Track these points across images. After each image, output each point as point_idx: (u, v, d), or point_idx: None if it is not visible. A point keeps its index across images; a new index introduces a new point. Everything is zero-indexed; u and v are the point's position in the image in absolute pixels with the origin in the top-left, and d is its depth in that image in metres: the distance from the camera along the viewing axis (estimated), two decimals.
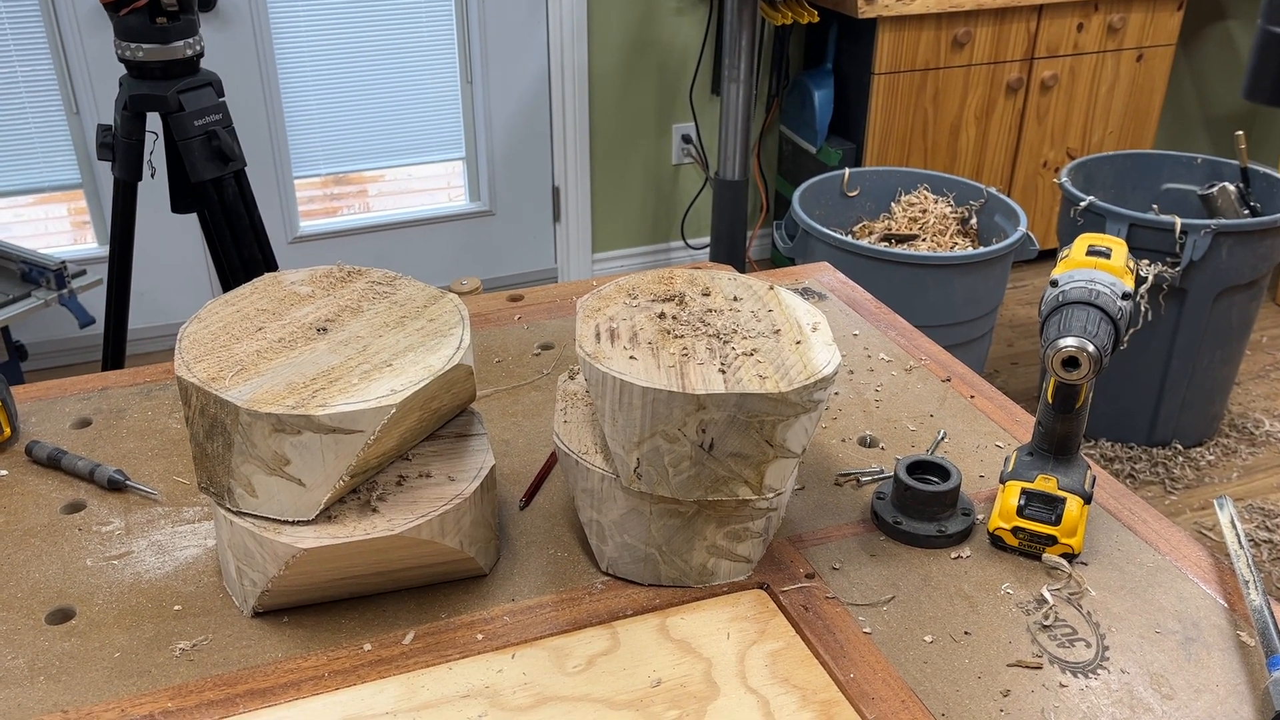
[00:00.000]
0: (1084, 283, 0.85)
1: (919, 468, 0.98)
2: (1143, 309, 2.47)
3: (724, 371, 0.83)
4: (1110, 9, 3.26)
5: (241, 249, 1.92)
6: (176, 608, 0.87)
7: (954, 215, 2.66)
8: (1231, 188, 2.57)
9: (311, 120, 3.06)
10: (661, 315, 0.90)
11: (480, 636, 0.85)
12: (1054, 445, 0.94)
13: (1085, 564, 0.93)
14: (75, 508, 0.98)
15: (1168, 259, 2.42)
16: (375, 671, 0.81)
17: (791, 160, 3.46)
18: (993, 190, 2.63)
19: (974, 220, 2.65)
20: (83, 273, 2.47)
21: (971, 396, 1.16)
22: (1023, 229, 2.44)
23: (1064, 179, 2.61)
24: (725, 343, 0.87)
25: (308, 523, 0.82)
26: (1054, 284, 0.88)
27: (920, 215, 2.67)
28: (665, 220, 3.52)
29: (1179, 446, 2.71)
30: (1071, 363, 0.83)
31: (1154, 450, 2.70)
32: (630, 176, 3.41)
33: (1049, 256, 3.53)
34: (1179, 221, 2.38)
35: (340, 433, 0.79)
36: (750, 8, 2.87)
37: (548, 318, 1.31)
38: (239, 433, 0.80)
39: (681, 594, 0.89)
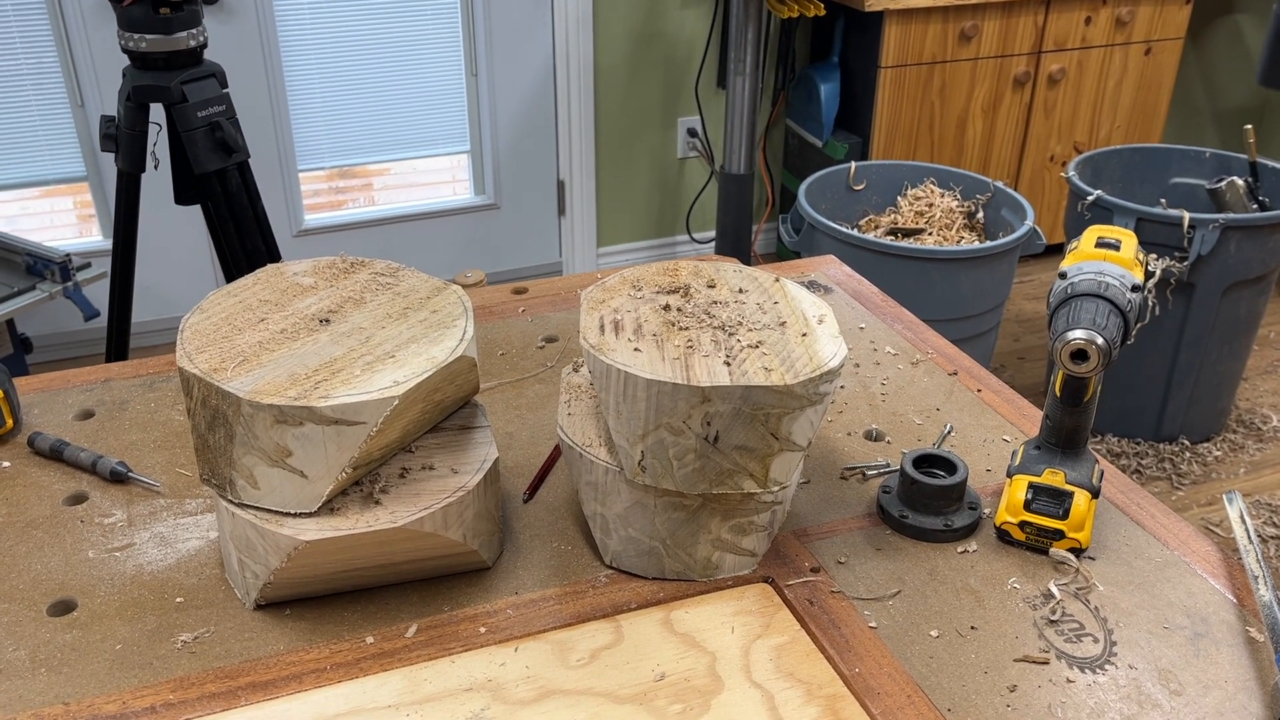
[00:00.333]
0: (1093, 275, 0.85)
1: (925, 461, 0.97)
2: (1150, 304, 2.46)
3: (729, 364, 0.82)
4: (1118, 2, 3.24)
5: (245, 241, 1.92)
6: (178, 600, 0.87)
7: (960, 209, 2.65)
8: (1240, 182, 2.55)
9: (316, 113, 3.05)
10: (666, 307, 0.90)
11: (483, 630, 0.84)
12: (1062, 439, 0.93)
13: (1093, 559, 0.92)
14: (77, 499, 0.98)
15: (1175, 253, 2.41)
16: (377, 664, 0.81)
17: (797, 154, 3.44)
18: (999, 184, 2.62)
19: (980, 214, 2.64)
20: (87, 265, 2.46)
21: (979, 390, 1.16)
22: (1029, 223, 2.43)
23: (1071, 173, 2.59)
24: (730, 335, 0.86)
25: (310, 515, 0.81)
26: (1062, 276, 0.87)
27: (927, 209, 2.66)
28: (670, 214, 3.51)
29: (1186, 442, 2.69)
30: (1080, 355, 0.82)
31: (1161, 446, 2.69)
32: (635, 170, 3.40)
33: (1056, 251, 3.51)
34: (1187, 216, 2.36)
35: (343, 424, 0.78)
36: (756, 1, 2.86)
37: (552, 310, 1.30)
38: (241, 424, 0.79)
39: (686, 588, 0.89)
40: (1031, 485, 0.92)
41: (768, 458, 0.84)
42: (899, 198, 2.73)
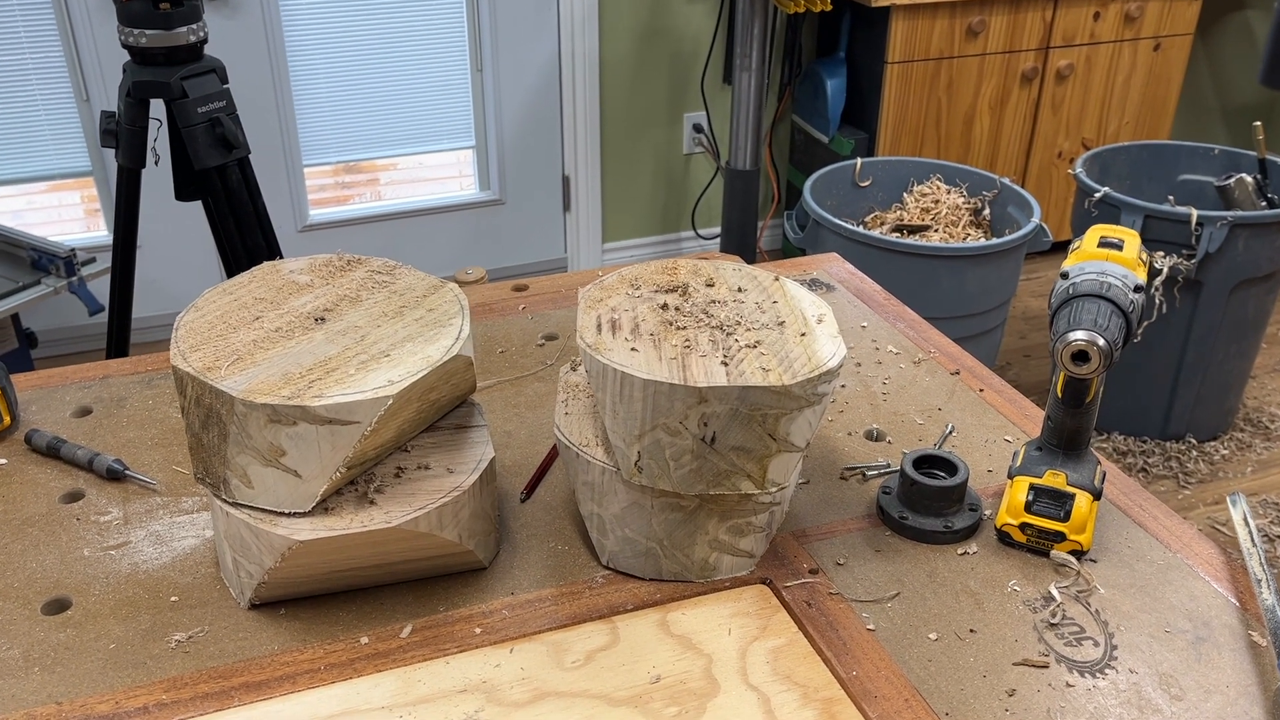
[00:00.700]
0: (1095, 275, 0.84)
1: (926, 462, 0.97)
2: (1157, 301, 2.44)
3: (726, 364, 0.81)
4: None
5: (245, 237, 1.91)
6: (173, 599, 0.86)
7: (967, 206, 2.64)
8: (1249, 179, 2.53)
9: (321, 108, 3.05)
10: (664, 306, 0.89)
11: (478, 630, 0.84)
12: (1063, 440, 0.92)
13: (1094, 561, 0.91)
14: (74, 497, 0.98)
15: (1183, 251, 2.39)
16: (372, 665, 0.81)
17: (804, 150, 3.43)
18: (1006, 181, 2.60)
19: (987, 211, 2.63)
20: (92, 260, 2.46)
21: (981, 390, 1.15)
22: (1036, 220, 2.41)
23: (1079, 170, 2.58)
24: (728, 334, 0.85)
25: (304, 514, 0.81)
26: (1064, 276, 0.86)
27: (933, 206, 2.65)
28: (676, 210, 3.50)
29: (1193, 441, 2.68)
30: (1081, 357, 0.81)
31: (1167, 444, 2.67)
32: (641, 166, 3.39)
33: (1063, 248, 3.49)
34: (1195, 213, 2.35)
35: (336, 424, 0.78)
36: None
37: (552, 308, 1.29)
38: (234, 423, 0.79)
39: (683, 589, 0.88)
40: (1032, 487, 0.91)
41: (765, 459, 0.83)
42: (905, 194, 2.72)
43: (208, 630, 0.83)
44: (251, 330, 0.85)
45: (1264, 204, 2.55)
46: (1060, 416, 0.91)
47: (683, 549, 0.87)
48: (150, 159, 1.94)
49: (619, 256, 3.49)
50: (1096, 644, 0.83)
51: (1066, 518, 0.90)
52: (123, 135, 1.91)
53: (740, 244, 3.17)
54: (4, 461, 1.02)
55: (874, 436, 1.08)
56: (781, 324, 0.88)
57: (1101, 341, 0.80)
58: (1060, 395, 0.89)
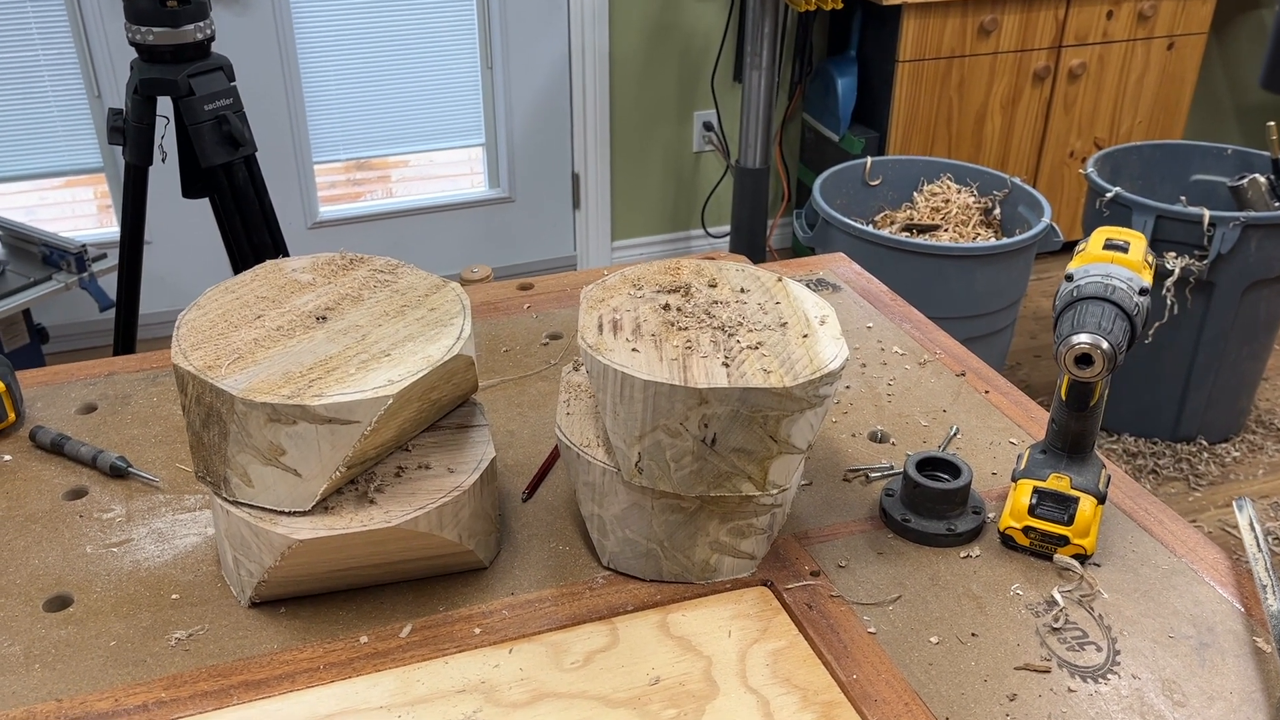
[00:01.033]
0: (1100, 277, 0.83)
1: (929, 464, 0.96)
2: (1169, 302, 2.43)
3: (728, 365, 0.81)
4: None
5: (252, 235, 1.92)
6: (174, 596, 0.87)
7: (977, 205, 2.63)
8: (1262, 179, 2.52)
9: (331, 105, 3.05)
10: (666, 307, 0.89)
11: (478, 630, 0.84)
12: (1068, 443, 0.92)
13: (1098, 565, 0.90)
14: (77, 494, 0.98)
15: (1195, 251, 2.38)
16: (371, 664, 0.81)
17: (814, 148, 3.42)
18: (1017, 180, 2.59)
19: (997, 211, 2.61)
20: (103, 256, 2.48)
21: (986, 392, 1.14)
22: (1047, 220, 2.40)
23: (1090, 170, 2.56)
24: (730, 335, 0.85)
25: (304, 513, 0.81)
26: (1069, 278, 0.85)
27: (943, 205, 2.64)
28: (685, 208, 3.50)
29: (1204, 442, 2.66)
30: (1084, 360, 0.80)
31: (1178, 446, 2.66)
32: (650, 164, 3.38)
33: (1074, 248, 3.48)
34: (1207, 213, 2.33)
35: (336, 423, 0.78)
36: None
37: (557, 307, 1.29)
38: (234, 422, 0.79)
39: (683, 590, 0.88)
40: (1036, 490, 0.91)
41: (766, 460, 0.83)
42: (915, 193, 2.71)
43: (208, 628, 0.83)
44: (253, 329, 0.85)
45: (1277, 205, 2.53)
46: (1065, 419, 0.91)
47: (683, 550, 0.87)
48: (157, 156, 1.95)
49: (628, 254, 3.48)
50: (1099, 649, 0.82)
51: (1070, 521, 0.89)
52: (130, 132, 1.91)
53: (750, 242, 3.16)
54: (8, 458, 1.02)
55: (878, 438, 1.07)
56: (784, 325, 0.87)
57: (1105, 345, 0.79)
58: (1065, 398, 0.89)
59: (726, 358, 0.82)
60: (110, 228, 3.02)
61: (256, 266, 0.94)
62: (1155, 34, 3.28)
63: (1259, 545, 0.88)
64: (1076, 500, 0.89)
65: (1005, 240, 2.34)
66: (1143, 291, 0.83)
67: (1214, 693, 0.79)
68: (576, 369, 0.97)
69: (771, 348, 0.84)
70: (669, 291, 0.91)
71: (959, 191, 2.65)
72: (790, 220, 3.57)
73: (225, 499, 0.82)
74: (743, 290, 0.92)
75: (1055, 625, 0.84)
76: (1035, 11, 3.12)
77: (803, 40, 3.32)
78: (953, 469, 0.95)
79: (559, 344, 1.22)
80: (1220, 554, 0.92)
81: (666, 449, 0.81)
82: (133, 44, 1.82)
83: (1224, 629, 0.84)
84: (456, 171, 3.36)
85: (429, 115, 3.17)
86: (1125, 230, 0.88)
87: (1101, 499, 0.91)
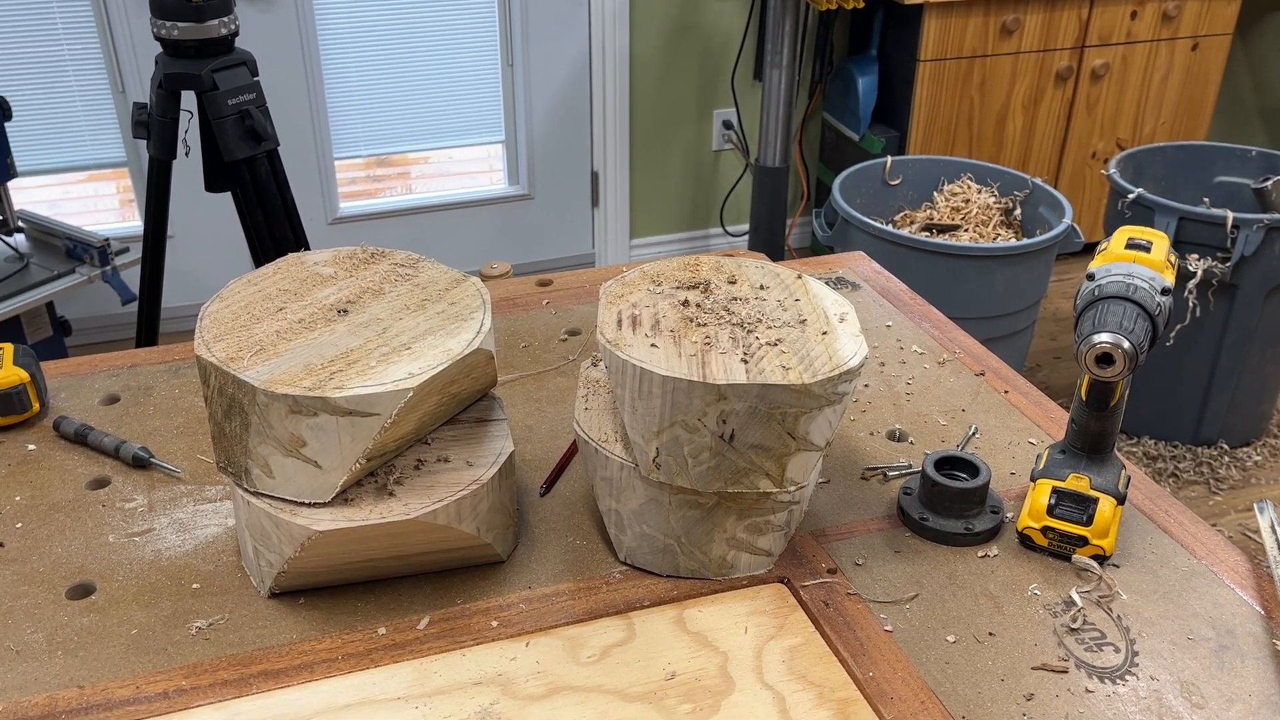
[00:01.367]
0: (1121, 277, 0.83)
1: (947, 463, 0.96)
2: (1191, 304, 2.41)
3: (746, 361, 0.81)
4: None
5: (273, 229, 1.93)
6: (195, 586, 0.87)
7: (998, 206, 2.61)
8: None
9: (352, 102, 3.07)
10: (685, 303, 0.89)
11: (495, 623, 0.84)
12: (1087, 444, 0.91)
13: (1117, 566, 0.90)
14: (100, 483, 0.99)
15: (1218, 254, 2.36)
16: (389, 656, 0.81)
17: (834, 147, 3.41)
18: (1038, 181, 2.58)
19: (1018, 211, 2.60)
20: (125, 250, 2.49)
21: (1006, 391, 1.14)
22: (1068, 221, 2.39)
23: (1112, 170, 2.55)
24: (749, 332, 0.85)
25: (324, 505, 0.81)
26: (1090, 278, 0.85)
27: (963, 205, 2.63)
28: (704, 207, 3.49)
29: (1225, 446, 2.64)
30: (1105, 359, 0.80)
31: (1199, 449, 2.64)
32: (670, 162, 3.38)
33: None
34: (1231, 215, 2.31)
35: (357, 415, 0.78)
36: None
37: (576, 303, 1.30)
38: (256, 413, 0.79)
39: (700, 586, 0.88)
40: (1055, 490, 0.90)
41: (784, 457, 0.83)
42: (935, 193, 2.70)
43: (228, 618, 0.84)
44: (275, 321, 0.86)
45: None
46: (1085, 419, 0.90)
47: (700, 546, 0.87)
48: (181, 150, 1.96)
49: (647, 252, 3.48)
50: (1117, 650, 0.82)
51: (1089, 522, 0.89)
52: (154, 126, 1.93)
53: (768, 241, 3.16)
54: (33, 447, 1.03)
55: (896, 437, 1.07)
56: (803, 322, 0.87)
57: (1126, 344, 0.79)
58: (1085, 398, 0.89)
59: (745, 354, 0.82)
60: (132, 222, 3.04)
61: (279, 259, 0.95)
62: (1179, 34, 3.26)
63: (1279, 547, 0.88)
64: (1096, 501, 0.89)
65: (1025, 241, 2.33)
66: (1165, 291, 0.83)
67: (1233, 695, 0.78)
68: (595, 364, 0.98)
69: (790, 345, 0.84)
70: (688, 288, 0.91)
71: (979, 191, 2.64)
72: (809, 219, 3.56)
73: (246, 490, 0.83)
74: (762, 287, 0.92)
75: (1073, 626, 0.84)
76: (1058, 11, 3.11)
77: (823, 39, 3.31)
78: (971, 468, 0.95)
79: (577, 340, 1.22)
80: (1240, 556, 0.91)
81: (684, 445, 0.81)
82: (158, 38, 1.84)
83: (1243, 632, 0.84)
84: (476, 169, 3.37)
85: (449, 112, 3.18)
86: (1148, 230, 0.88)
87: (1121, 500, 0.90)
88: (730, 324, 0.86)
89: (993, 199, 2.62)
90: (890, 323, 1.27)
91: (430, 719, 0.76)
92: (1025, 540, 0.92)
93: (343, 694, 0.78)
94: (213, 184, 1.98)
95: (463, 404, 0.91)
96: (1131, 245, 0.86)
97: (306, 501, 0.81)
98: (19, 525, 0.93)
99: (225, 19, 1.82)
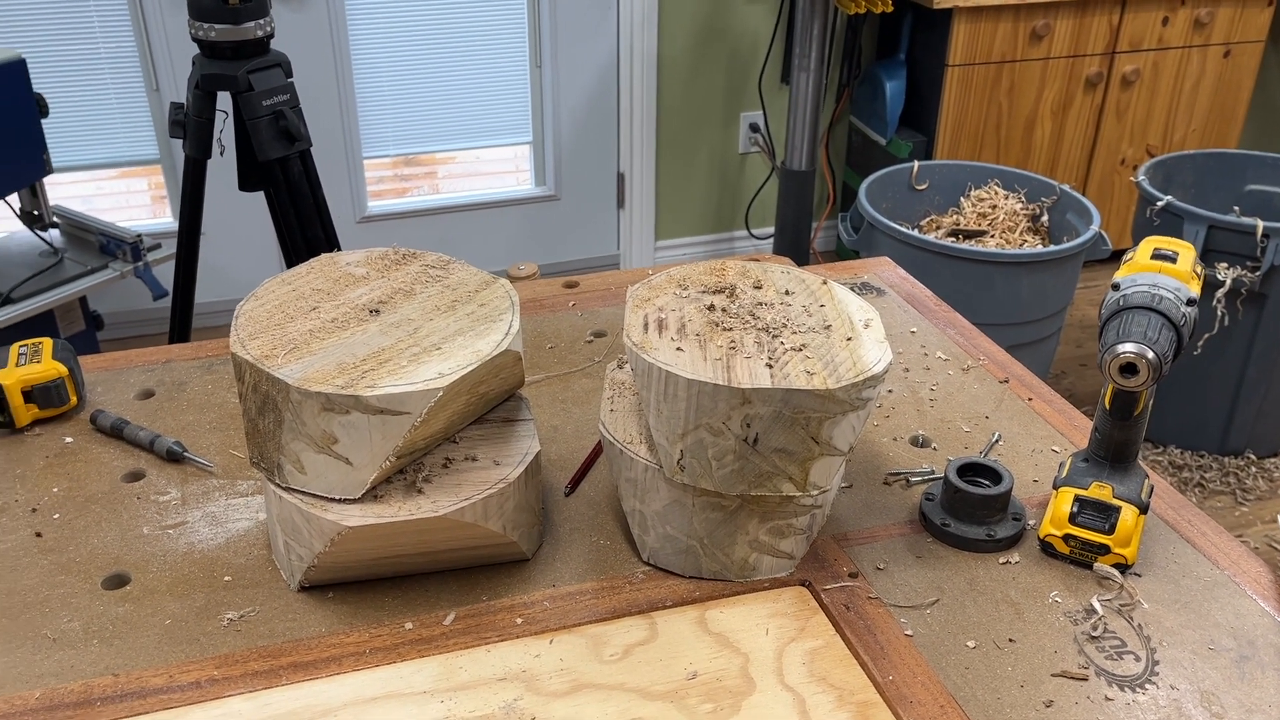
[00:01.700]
0: (1147, 287, 0.83)
1: (970, 470, 0.96)
2: (1219, 313, 2.39)
3: (771, 366, 0.82)
4: (1198, 3, 3.16)
5: (305, 228, 1.95)
6: (226, 578, 0.89)
7: (1025, 212, 2.61)
8: None
9: (382, 101, 3.09)
10: (711, 307, 0.90)
11: (520, 620, 0.85)
12: (1111, 452, 0.92)
13: (1139, 575, 0.90)
14: (135, 476, 1.01)
15: (1248, 263, 2.34)
16: (415, 650, 0.83)
17: (861, 151, 3.41)
18: (1065, 187, 2.57)
19: (1045, 217, 2.59)
20: (157, 246, 2.53)
21: (1030, 399, 1.14)
22: (1095, 228, 2.38)
23: (1141, 178, 2.53)
24: (774, 337, 0.86)
25: (354, 501, 0.83)
26: (1115, 287, 0.85)
27: (990, 211, 2.62)
28: (730, 209, 3.50)
29: (1252, 456, 2.62)
30: (1129, 369, 0.80)
31: (1226, 459, 2.62)
32: (696, 164, 3.39)
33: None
34: (1261, 224, 2.30)
35: (387, 414, 0.80)
36: None
37: (602, 305, 1.31)
38: (289, 410, 0.81)
39: (722, 587, 0.89)
40: (1077, 498, 0.91)
41: (807, 461, 0.83)
42: (962, 198, 2.70)
43: (259, 610, 0.86)
44: (308, 320, 0.87)
45: None
46: (1108, 428, 0.91)
47: (723, 548, 0.88)
48: (216, 150, 1.99)
49: (672, 254, 3.49)
50: (1138, 658, 0.82)
51: (1111, 530, 0.89)
52: (190, 126, 1.96)
53: (794, 244, 3.16)
54: (70, 440, 1.06)
55: (919, 442, 1.08)
56: (828, 328, 0.88)
57: (1151, 354, 0.79)
58: (1108, 407, 0.89)
59: (770, 359, 0.83)
60: (163, 218, 3.08)
61: (312, 259, 0.96)
62: (1212, 41, 3.24)
63: None
64: (1118, 509, 0.89)
65: (1052, 248, 2.32)
66: (1190, 302, 0.83)
67: (1252, 705, 0.78)
68: (621, 366, 0.99)
69: (815, 350, 0.85)
70: (714, 292, 0.92)
71: (1006, 197, 2.64)
72: (835, 223, 3.56)
73: (278, 485, 0.85)
74: (788, 292, 0.93)
75: (1094, 633, 0.84)
76: (1089, 17, 3.09)
77: (851, 43, 3.31)
78: (993, 475, 0.95)
79: (603, 341, 1.24)
80: (1263, 567, 0.91)
81: (708, 447, 0.82)
82: (195, 40, 1.87)
83: (1265, 643, 0.84)
84: (503, 169, 3.39)
85: (478, 113, 3.20)
86: (1174, 240, 0.88)
87: (1144, 509, 0.90)
88: (755, 329, 0.87)
89: (1020, 205, 2.62)
90: (915, 329, 1.27)
91: (455, 713, 0.77)
92: (1047, 548, 0.92)
93: (370, 687, 0.80)
94: (246, 183, 2.00)
95: (490, 404, 0.92)
96: (1157, 256, 0.86)
97: (337, 497, 0.83)
98: (56, 516, 0.95)
99: (261, 21, 1.85)
